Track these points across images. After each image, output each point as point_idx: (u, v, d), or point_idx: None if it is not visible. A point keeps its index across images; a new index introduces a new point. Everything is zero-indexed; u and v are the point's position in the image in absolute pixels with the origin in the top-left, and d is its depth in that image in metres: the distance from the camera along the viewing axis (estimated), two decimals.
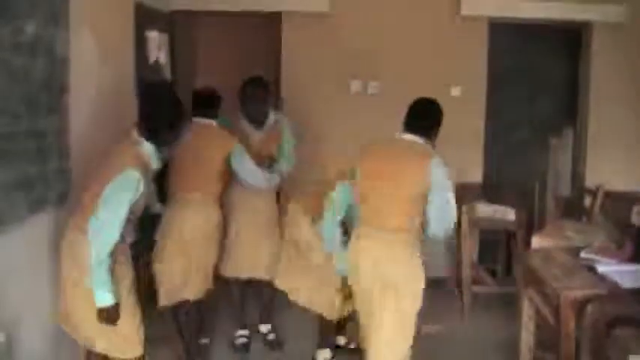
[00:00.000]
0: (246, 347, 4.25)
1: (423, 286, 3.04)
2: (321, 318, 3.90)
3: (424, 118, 3.13)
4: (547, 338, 3.30)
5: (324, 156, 5.27)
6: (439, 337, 4.22)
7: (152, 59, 4.78)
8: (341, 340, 4.19)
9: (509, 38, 5.71)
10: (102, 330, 2.86)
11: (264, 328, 4.35)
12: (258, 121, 4.07)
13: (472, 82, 5.55)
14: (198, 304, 3.88)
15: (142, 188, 2.84)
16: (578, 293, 2.74)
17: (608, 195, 4.78)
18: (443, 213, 2.96)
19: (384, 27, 5.47)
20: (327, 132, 5.48)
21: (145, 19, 4.60)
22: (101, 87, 3.84)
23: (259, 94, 4.01)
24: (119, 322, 2.83)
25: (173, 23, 5.29)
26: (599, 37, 5.58)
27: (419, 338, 3.33)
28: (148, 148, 2.93)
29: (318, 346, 3.99)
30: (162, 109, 3.01)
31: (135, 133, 2.96)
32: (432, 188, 2.92)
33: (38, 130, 3.04)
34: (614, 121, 5.59)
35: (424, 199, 2.94)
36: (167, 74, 5.15)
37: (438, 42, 5.49)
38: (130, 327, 2.94)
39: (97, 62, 3.78)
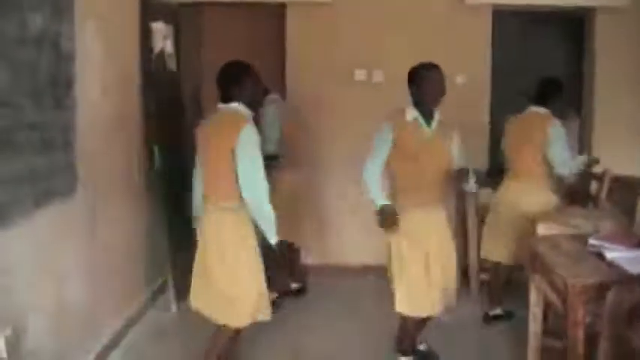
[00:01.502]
0: (277, 305, 4.51)
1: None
2: (402, 322, 3.74)
3: (547, 93, 4.36)
4: (555, 325, 3.31)
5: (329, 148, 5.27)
6: (447, 324, 4.23)
7: (157, 49, 4.79)
8: (421, 346, 3.94)
9: (513, 25, 5.69)
10: (254, 294, 3.26)
11: (295, 285, 5.09)
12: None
13: (476, 69, 5.53)
14: None
15: None
16: (586, 281, 2.74)
17: (615, 180, 4.75)
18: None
19: (387, 16, 5.45)
20: (331, 121, 5.48)
21: (150, 11, 4.60)
22: (106, 80, 3.85)
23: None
24: (260, 281, 3.31)
25: (179, 15, 5.28)
26: (602, 22, 5.54)
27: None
28: (246, 111, 3.33)
29: (397, 351, 3.82)
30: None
31: (234, 104, 3.31)
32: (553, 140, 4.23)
33: (44, 124, 3.04)
34: (620, 107, 5.56)
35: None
36: (173, 65, 5.14)
37: (442, 30, 5.46)
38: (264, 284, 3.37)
39: (102, 56, 3.78)
